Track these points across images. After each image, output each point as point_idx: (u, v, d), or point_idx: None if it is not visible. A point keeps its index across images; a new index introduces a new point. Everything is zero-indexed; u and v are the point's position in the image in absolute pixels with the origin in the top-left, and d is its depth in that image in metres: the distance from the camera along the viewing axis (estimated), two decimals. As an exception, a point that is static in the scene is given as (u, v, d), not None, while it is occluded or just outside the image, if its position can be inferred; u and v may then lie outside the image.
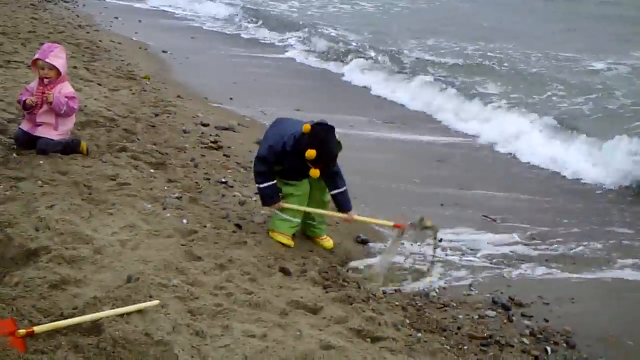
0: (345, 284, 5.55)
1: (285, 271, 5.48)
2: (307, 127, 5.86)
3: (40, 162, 6.58)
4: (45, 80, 6.87)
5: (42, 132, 6.89)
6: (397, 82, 14.90)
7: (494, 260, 6.55)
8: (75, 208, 5.75)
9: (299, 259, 5.90)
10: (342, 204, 6.23)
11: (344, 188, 6.20)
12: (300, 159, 5.90)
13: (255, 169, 6.18)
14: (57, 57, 6.89)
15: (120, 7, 23.48)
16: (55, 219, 5.42)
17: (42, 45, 7.19)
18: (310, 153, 5.74)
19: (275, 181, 6.16)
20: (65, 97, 6.90)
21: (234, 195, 7.08)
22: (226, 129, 9.69)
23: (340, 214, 6.27)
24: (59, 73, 6.90)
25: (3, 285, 4.43)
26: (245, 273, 5.26)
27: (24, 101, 6.81)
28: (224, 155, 8.41)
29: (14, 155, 6.71)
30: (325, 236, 6.47)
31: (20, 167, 6.42)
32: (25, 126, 6.96)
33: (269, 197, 6.19)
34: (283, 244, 6.10)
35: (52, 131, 6.92)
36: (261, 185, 6.17)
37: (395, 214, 7.25)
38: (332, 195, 6.23)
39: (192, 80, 13.12)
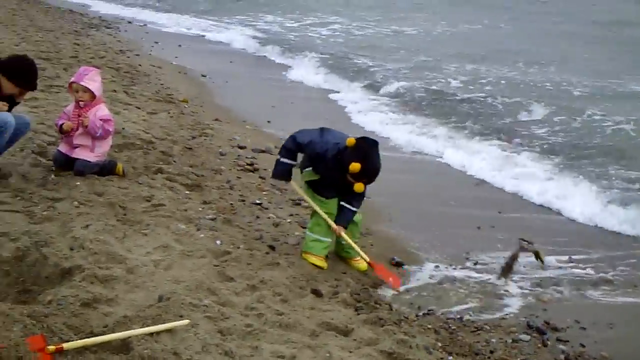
0: (377, 306, 5.51)
1: (317, 292, 5.46)
2: (351, 141, 5.88)
3: (77, 183, 6.68)
4: (81, 103, 6.97)
5: (79, 153, 6.99)
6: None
7: (531, 284, 6.43)
8: (110, 228, 5.81)
9: (331, 281, 5.88)
10: (343, 216, 6.23)
11: (355, 208, 6.23)
12: (338, 171, 5.92)
13: (286, 143, 6.29)
14: (92, 80, 6.96)
15: (161, 32, 23.78)
16: (89, 239, 5.48)
17: (79, 69, 7.28)
18: (355, 166, 5.74)
19: (294, 163, 6.28)
20: (101, 119, 6.98)
21: (269, 217, 7.10)
22: (263, 151, 9.73)
23: (331, 222, 6.22)
24: (93, 96, 6.98)
25: (37, 303, 4.49)
26: (277, 294, 5.25)
27: (61, 125, 6.96)
28: (260, 177, 8.44)
29: (53, 176, 6.83)
30: (358, 258, 6.43)
31: (57, 188, 6.52)
32: (63, 148, 7.07)
33: (281, 172, 6.33)
34: (316, 266, 6.09)
35: (89, 153, 7.01)
36: (281, 159, 6.28)
37: (430, 236, 7.27)
38: (341, 205, 6.23)
39: (230, 103, 13.20)
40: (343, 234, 6.20)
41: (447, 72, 18.31)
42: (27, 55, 7.02)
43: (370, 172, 5.87)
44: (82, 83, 6.90)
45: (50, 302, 4.46)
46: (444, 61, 19.94)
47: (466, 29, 27.92)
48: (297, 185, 6.48)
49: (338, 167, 5.89)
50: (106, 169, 7.12)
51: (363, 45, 22.71)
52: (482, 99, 14.92)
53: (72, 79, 7.04)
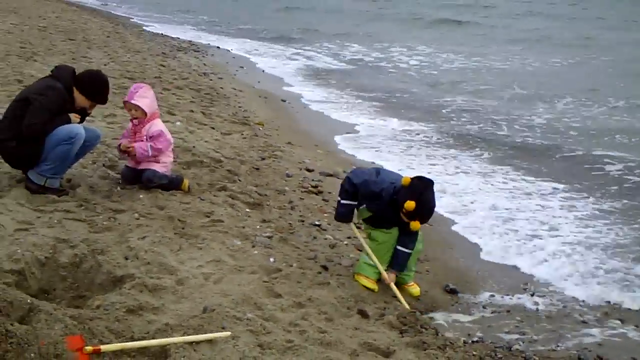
0: (423, 330, 5.44)
1: (363, 313, 5.46)
2: (406, 180, 5.94)
3: (141, 196, 6.91)
4: (135, 120, 7.21)
5: (146, 165, 7.22)
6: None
7: (587, 317, 6.24)
8: (166, 241, 5.98)
9: (380, 303, 5.85)
10: (396, 259, 6.23)
11: (409, 250, 6.22)
12: (394, 209, 5.97)
13: (343, 184, 6.35)
14: (142, 97, 7.11)
15: (246, 58, 24.25)
16: (144, 250, 5.66)
17: (131, 87, 7.38)
18: (410, 204, 5.77)
19: (356, 203, 6.28)
20: (151, 136, 7.20)
21: (326, 238, 7.14)
22: (330, 175, 9.80)
23: (383, 270, 6.17)
24: (145, 112, 7.15)
25: (85, 308, 4.66)
26: (323, 312, 5.27)
27: (119, 146, 7.28)
28: (323, 199, 8.51)
29: (118, 188, 7.07)
30: (412, 283, 6.40)
31: (121, 200, 6.76)
32: (130, 163, 7.36)
33: (343, 214, 6.37)
34: (367, 288, 6.08)
35: (155, 164, 7.24)
36: (342, 201, 6.33)
37: (489, 265, 7.14)
38: (396, 250, 6.22)
39: (306, 127, 13.35)
40: (393, 286, 6.16)
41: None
42: (100, 71, 7.31)
43: (424, 211, 5.90)
44: (132, 101, 7.06)
45: (97, 307, 4.62)
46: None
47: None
48: (355, 227, 6.50)
49: (393, 206, 5.96)
50: (173, 184, 7.32)
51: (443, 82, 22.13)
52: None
53: (125, 98, 7.24)
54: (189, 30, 32.67)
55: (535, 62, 26.22)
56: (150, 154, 7.16)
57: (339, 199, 6.39)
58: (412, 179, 5.95)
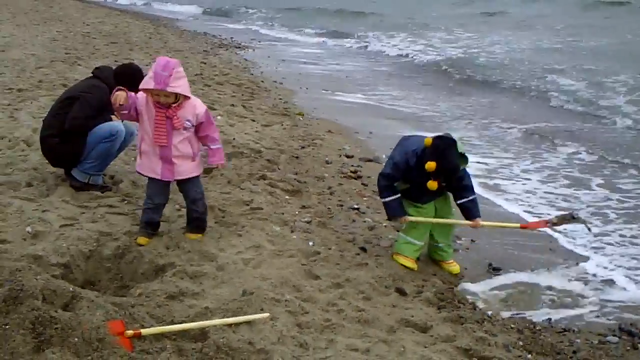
0: (461, 305, 5.48)
1: (400, 291, 5.52)
2: (428, 141, 5.90)
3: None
4: (164, 106, 5.60)
5: (182, 171, 5.83)
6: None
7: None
8: (207, 229, 6.10)
9: (418, 281, 5.89)
10: (468, 211, 6.19)
11: (471, 197, 6.17)
12: (424, 174, 5.93)
13: (379, 184, 6.28)
14: (178, 79, 5.46)
15: (291, 51, 24.36)
16: (185, 239, 5.80)
17: (155, 63, 5.52)
18: (430, 165, 5.77)
19: (399, 195, 6.19)
20: (201, 122, 5.80)
21: (364, 221, 7.20)
22: (370, 160, 9.84)
23: (466, 222, 6.23)
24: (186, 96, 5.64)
25: (128, 296, 4.82)
26: (360, 292, 5.35)
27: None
28: (362, 184, 8.56)
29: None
30: (451, 260, 6.40)
31: (163, 193, 6.91)
32: (157, 170, 5.80)
33: (393, 210, 6.23)
34: (406, 267, 6.12)
35: (190, 164, 5.86)
36: (385, 200, 6.23)
37: (530, 242, 7.12)
38: (459, 204, 6.21)
39: (345, 117, 13.33)
40: (483, 222, 6.21)
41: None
42: (132, 62, 7.49)
43: (446, 171, 5.85)
44: (168, 89, 5.40)
45: (139, 295, 4.79)
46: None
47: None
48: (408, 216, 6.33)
49: (421, 170, 5.90)
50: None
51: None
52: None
53: (149, 85, 5.43)
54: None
55: None
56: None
57: (383, 200, 6.29)
58: (433, 139, 5.90)
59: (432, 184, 5.89)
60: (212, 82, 14.36)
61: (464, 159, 5.96)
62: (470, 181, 6.23)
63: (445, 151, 5.80)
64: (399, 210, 6.21)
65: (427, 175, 5.89)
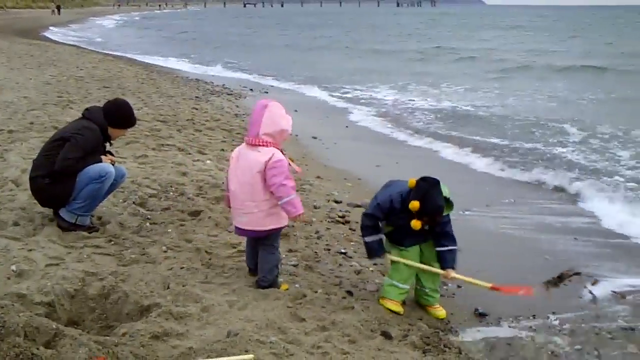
0: (446, 349, 5.47)
1: (386, 335, 5.50)
2: (412, 182, 6.01)
3: (169, 230, 7.10)
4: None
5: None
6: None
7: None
8: (193, 271, 6.12)
9: (404, 325, 5.87)
10: (444, 260, 6.20)
11: (451, 247, 6.19)
12: (408, 215, 5.99)
13: (362, 224, 6.33)
14: (272, 122, 5.94)
15: (286, 98, 24.44)
16: (171, 280, 5.79)
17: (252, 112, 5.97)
18: (414, 204, 5.85)
19: (381, 235, 6.26)
20: (272, 167, 5.91)
21: (351, 265, 7.20)
22: (358, 206, 9.86)
23: (437, 270, 6.24)
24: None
25: (112, 335, 4.80)
26: (346, 335, 5.33)
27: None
28: (350, 229, 8.57)
29: (147, 224, 7.26)
30: (437, 305, 6.41)
31: (150, 235, 6.95)
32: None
33: (374, 250, 6.31)
34: (392, 311, 6.12)
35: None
36: (366, 239, 6.30)
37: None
38: (437, 252, 6.22)
39: (335, 163, 13.39)
40: (456, 275, 6.20)
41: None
42: (117, 98, 7.59)
43: (430, 210, 5.90)
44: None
45: (124, 335, 4.77)
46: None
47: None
48: (388, 255, 6.38)
49: (406, 212, 5.97)
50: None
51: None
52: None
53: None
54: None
55: None
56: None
57: (364, 239, 6.36)
58: (417, 180, 6.00)
59: (416, 224, 5.93)
60: (202, 127, 14.46)
61: (449, 204, 6.02)
62: (452, 230, 6.25)
63: (430, 191, 5.88)
64: (379, 250, 6.30)
65: (412, 215, 5.95)
